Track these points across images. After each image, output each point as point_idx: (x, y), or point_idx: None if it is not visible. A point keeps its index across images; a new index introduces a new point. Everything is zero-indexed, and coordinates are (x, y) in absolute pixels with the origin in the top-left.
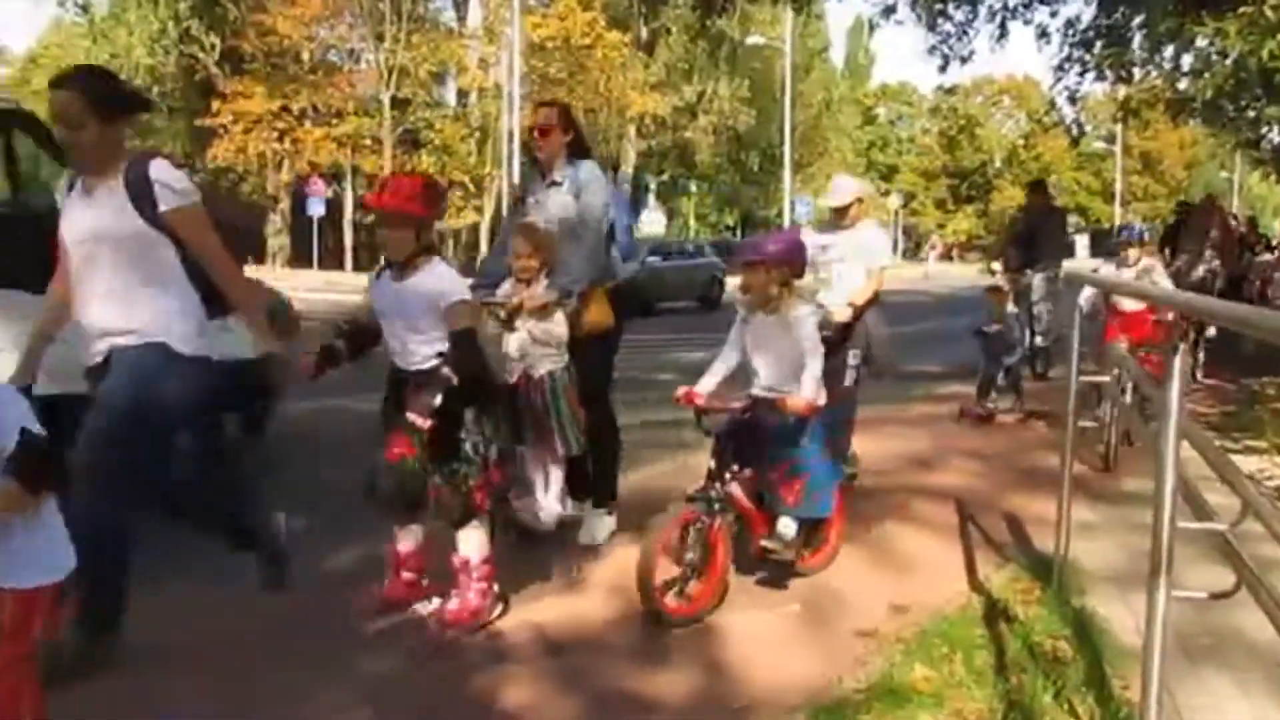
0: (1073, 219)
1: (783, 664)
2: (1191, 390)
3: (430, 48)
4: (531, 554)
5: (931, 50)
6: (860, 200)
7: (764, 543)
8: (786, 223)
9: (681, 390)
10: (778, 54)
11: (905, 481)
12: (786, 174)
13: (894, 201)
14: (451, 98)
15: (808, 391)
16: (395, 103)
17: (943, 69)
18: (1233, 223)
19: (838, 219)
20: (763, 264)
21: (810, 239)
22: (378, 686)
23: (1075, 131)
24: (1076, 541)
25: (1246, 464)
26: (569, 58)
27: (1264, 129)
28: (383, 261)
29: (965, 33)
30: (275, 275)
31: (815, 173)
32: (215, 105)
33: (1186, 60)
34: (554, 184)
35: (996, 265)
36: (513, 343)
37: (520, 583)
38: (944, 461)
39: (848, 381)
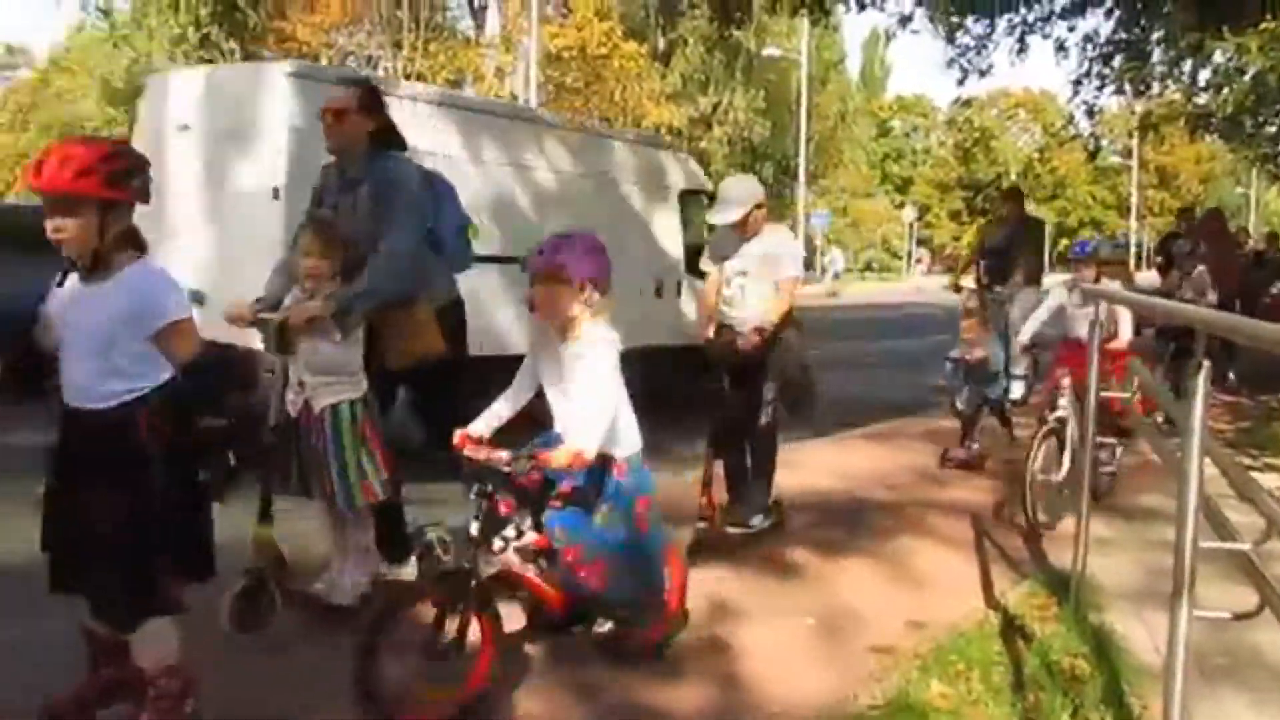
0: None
1: (797, 679)
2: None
3: (448, 56)
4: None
5: (950, 63)
6: (760, 206)
7: (591, 630)
8: (800, 235)
9: (458, 433)
10: (794, 66)
11: (919, 496)
12: (801, 185)
13: (909, 214)
14: None
15: (577, 440)
16: None
17: (961, 81)
18: (1244, 239)
19: (738, 231)
20: (563, 276)
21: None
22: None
23: (1093, 145)
24: (1094, 557)
25: (1265, 481)
26: (585, 68)
27: None
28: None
29: (984, 46)
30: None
31: (830, 185)
32: None
33: (1205, 75)
34: (353, 182)
35: (966, 281)
36: (293, 369)
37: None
38: (957, 475)
39: (763, 419)
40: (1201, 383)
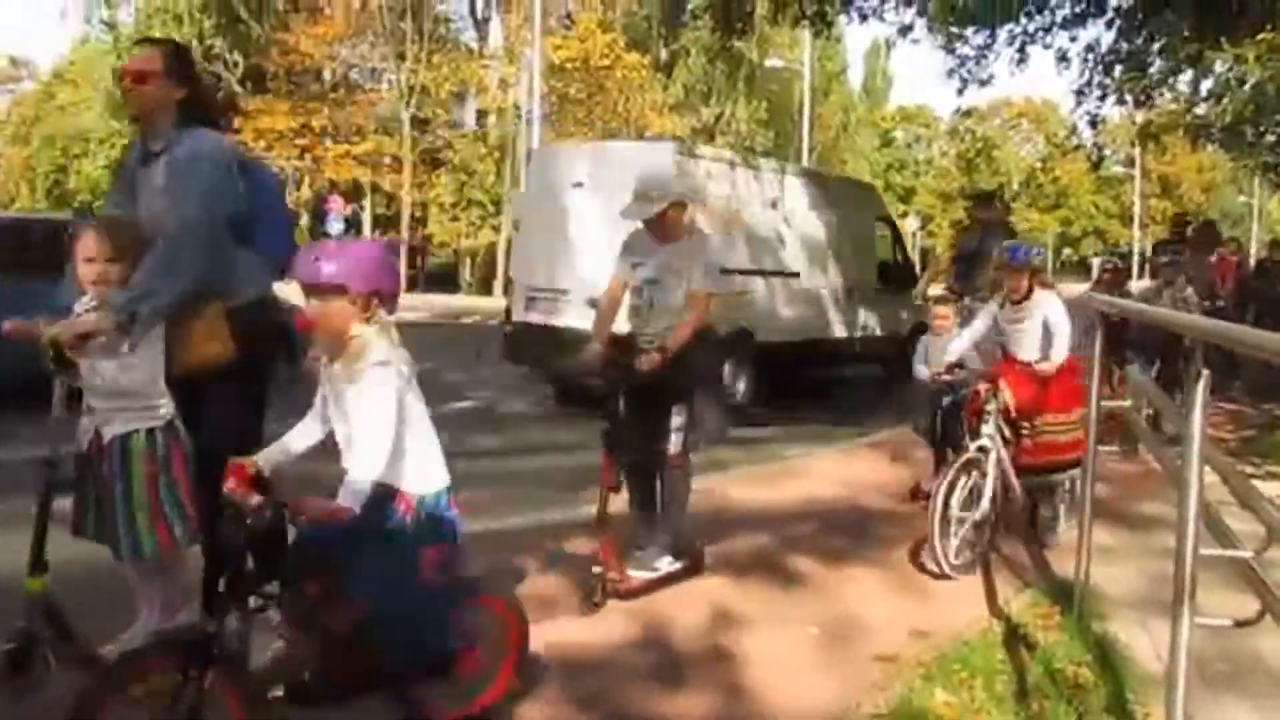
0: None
1: (800, 688)
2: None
3: (451, 68)
4: (548, 575)
5: (950, 73)
6: (679, 204)
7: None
8: None
9: (233, 462)
10: (796, 76)
11: (922, 504)
12: None
13: (911, 224)
14: (471, 118)
15: (348, 484)
16: (415, 122)
17: (961, 91)
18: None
19: (654, 231)
20: (338, 288)
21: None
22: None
23: (1095, 156)
24: (1097, 566)
25: (1270, 490)
26: (588, 79)
27: None
28: None
29: (984, 56)
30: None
31: None
32: (237, 122)
33: (1205, 85)
34: (152, 156)
35: (935, 289)
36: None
37: (536, 605)
38: None
39: (672, 447)
40: (1201, 391)
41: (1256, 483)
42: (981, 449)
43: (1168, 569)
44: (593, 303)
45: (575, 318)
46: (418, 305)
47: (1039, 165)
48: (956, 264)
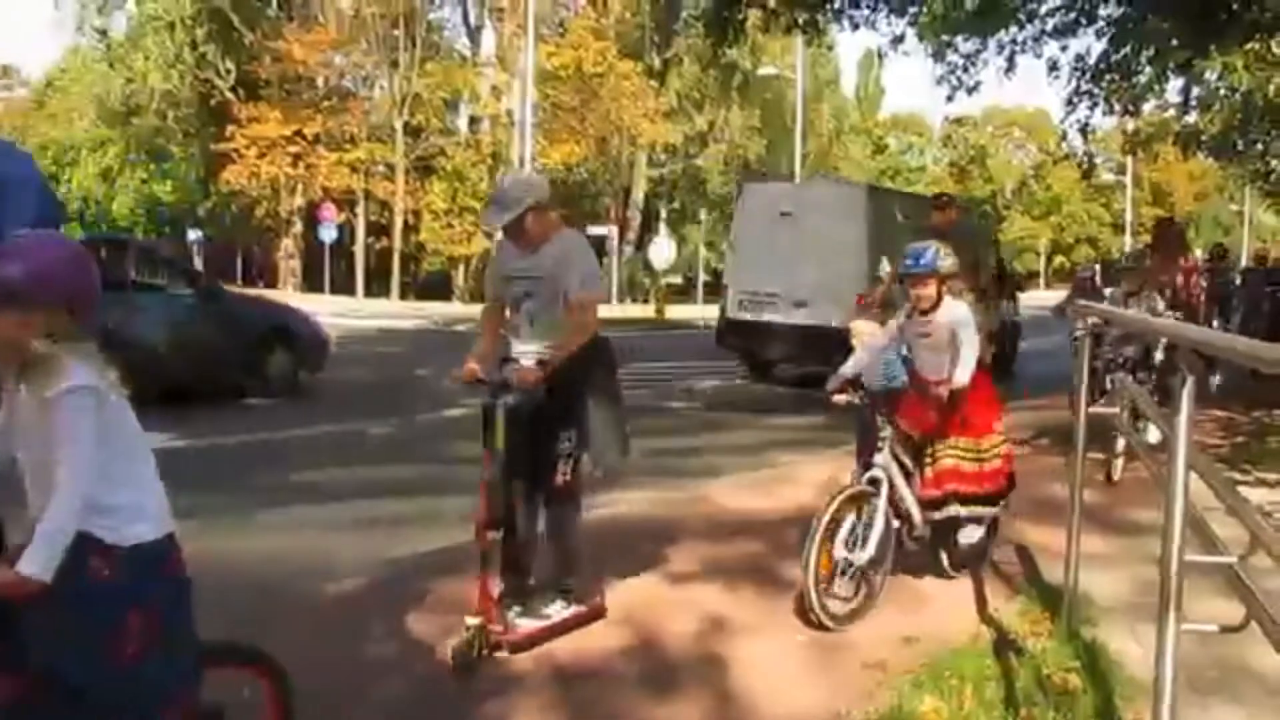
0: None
1: (789, 695)
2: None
3: (444, 75)
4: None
5: (939, 81)
6: (540, 208)
7: None
8: None
9: None
10: (789, 84)
11: None
12: None
13: None
14: (464, 125)
15: (49, 529)
16: (408, 129)
17: (950, 98)
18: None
19: (517, 240)
20: (4, 295)
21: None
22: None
23: (1087, 164)
24: (1086, 573)
25: (1258, 496)
26: (581, 86)
27: (1272, 162)
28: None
29: (972, 64)
30: (287, 300)
31: None
32: (230, 130)
33: (1196, 93)
34: None
35: (863, 324)
36: None
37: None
38: None
39: (559, 478)
40: (1186, 397)
41: (1248, 489)
42: (873, 481)
43: (1157, 575)
44: (799, 303)
45: (778, 315)
46: (405, 313)
47: (1031, 173)
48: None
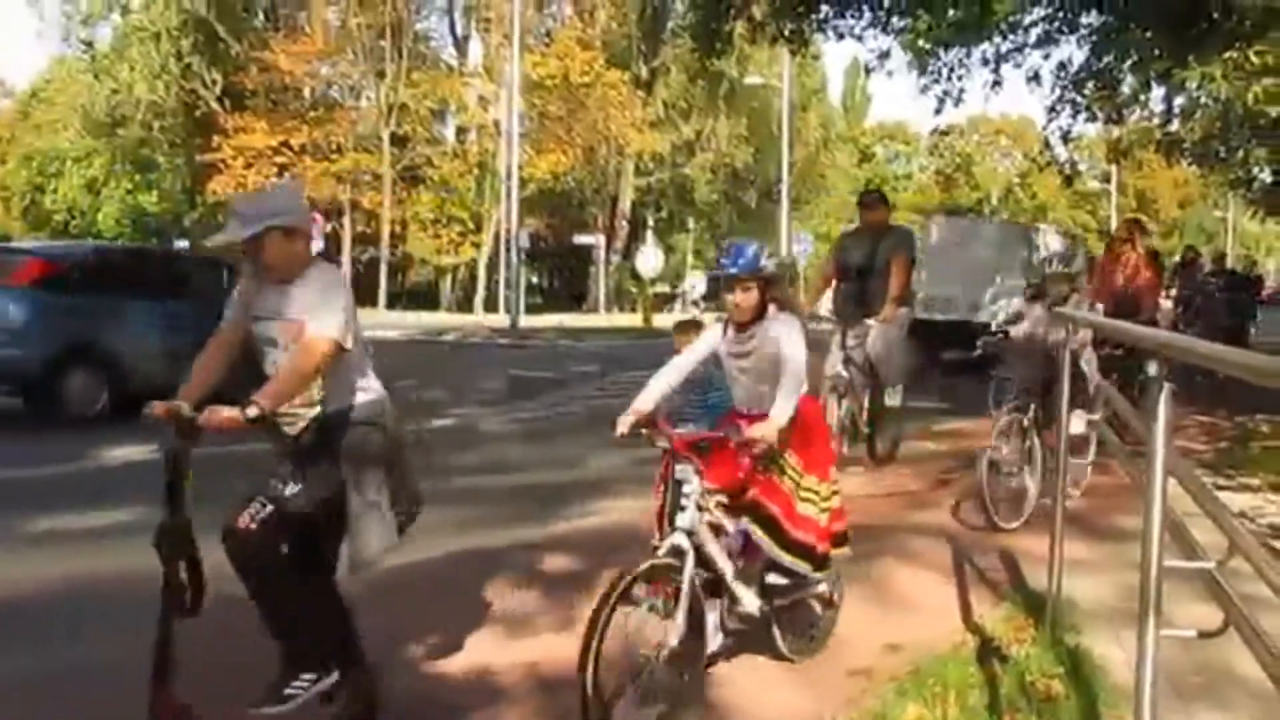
0: None
1: (773, 702)
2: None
3: (430, 85)
4: (524, 593)
5: (924, 90)
6: (284, 230)
7: None
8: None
9: None
10: (775, 93)
11: (899, 520)
12: (784, 211)
13: None
14: (451, 135)
15: None
16: (395, 139)
17: (938, 110)
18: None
19: (266, 274)
20: None
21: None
22: None
23: (1069, 171)
24: (1070, 579)
25: (1240, 501)
26: (568, 96)
27: (1253, 169)
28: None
29: (956, 75)
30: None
31: (813, 210)
32: (216, 140)
33: (1178, 101)
34: None
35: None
36: None
37: (511, 622)
38: (937, 499)
39: (243, 519)
40: (1163, 403)
41: (1231, 494)
42: (675, 551)
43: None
44: (973, 307)
45: (955, 313)
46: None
47: (1017, 180)
48: (842, 280)
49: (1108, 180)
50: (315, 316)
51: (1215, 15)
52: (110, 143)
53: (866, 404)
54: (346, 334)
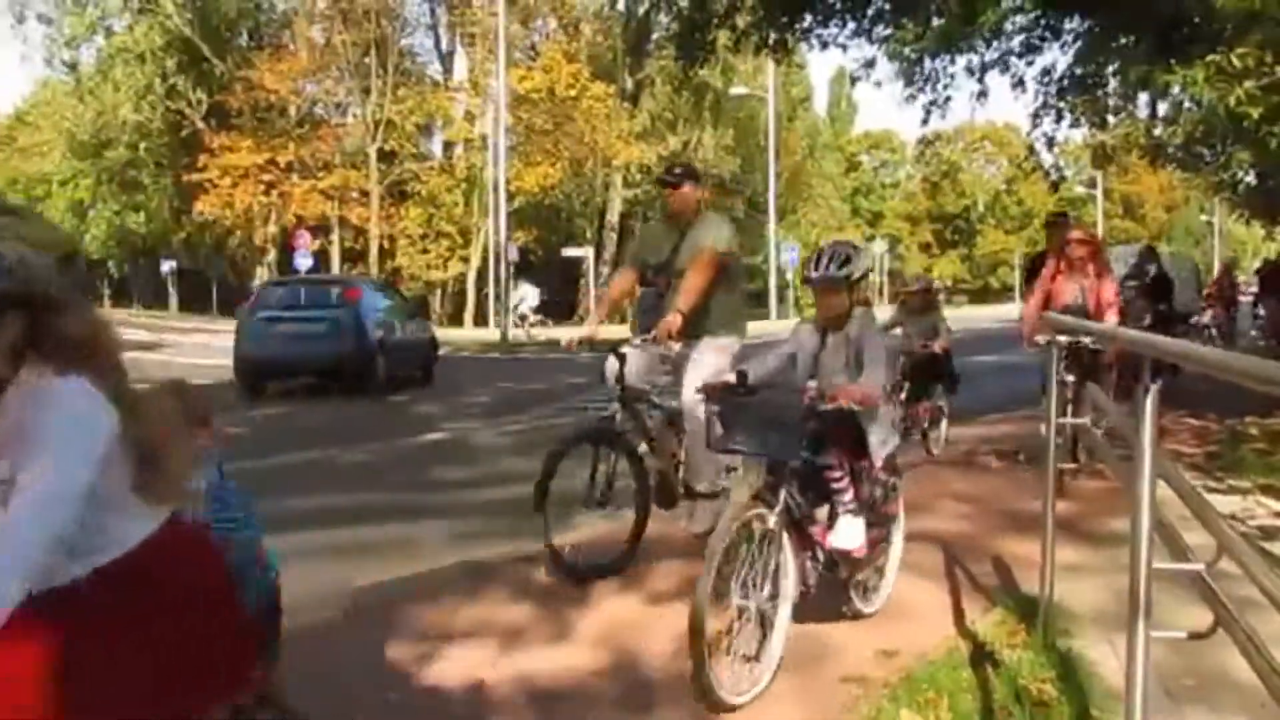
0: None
1: (766, 710)
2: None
3: (417, 101)
4: (520, 605)
5: (910, 99)
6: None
7: None
8: (771, 269)
9: None
10: (761, 103)
11: None
12: (771, 220)
13: (879, 246)
14: (438, 150)
15: None
16: (382, 155)
17: (925, 120)
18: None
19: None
20: None
21: None
22: None
23: (1054, 176)
24: (1062, 583)
25: (1230, 503)
26: (554, 109)
27: (1237, 172)
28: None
29: (941, 84)
30: None
31: (800, 219)
32: (202, 160)
33: (1161, 106)
34: None
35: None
36: None
37: (509, 633)
38: (929, 505)
39: None
40: (1150, 405)
41: (1220, 496)
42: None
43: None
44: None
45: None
46: None
47: (1003, 187)
48: (642, 285)
49: (1093, 185)
50: None
51: (1197, 19)
52: (96, 164)
53: None
54: None
